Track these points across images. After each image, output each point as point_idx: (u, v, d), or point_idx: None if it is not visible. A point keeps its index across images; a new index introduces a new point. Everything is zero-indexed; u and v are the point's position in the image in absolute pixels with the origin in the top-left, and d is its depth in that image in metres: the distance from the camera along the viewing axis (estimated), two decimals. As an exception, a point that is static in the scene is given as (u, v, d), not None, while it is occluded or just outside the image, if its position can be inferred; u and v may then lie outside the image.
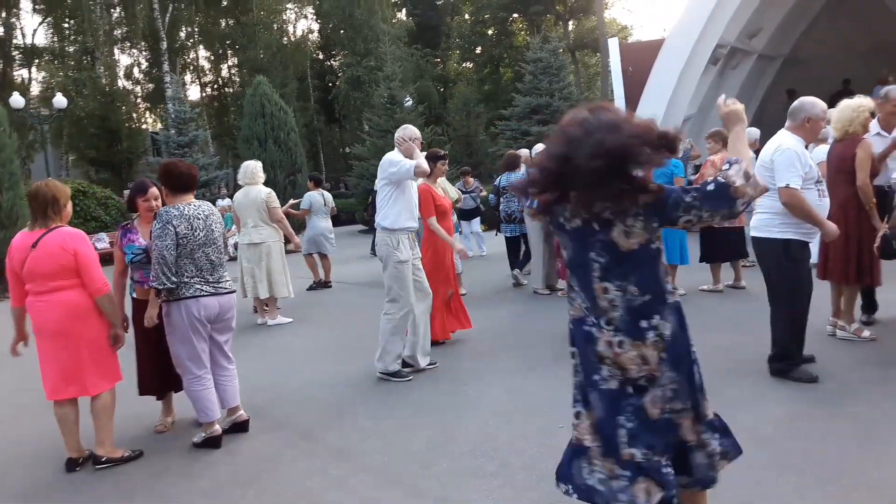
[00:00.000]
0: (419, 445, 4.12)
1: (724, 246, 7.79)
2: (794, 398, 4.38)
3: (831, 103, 5.41)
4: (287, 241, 8.21)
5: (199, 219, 4.23)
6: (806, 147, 4.69)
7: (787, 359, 4.72)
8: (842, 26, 16.63)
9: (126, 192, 22.69)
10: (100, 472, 4.10)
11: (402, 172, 5.43)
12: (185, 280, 4.15)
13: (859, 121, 5.31)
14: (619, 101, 14.72)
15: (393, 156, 5.57)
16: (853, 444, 3.66)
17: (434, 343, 6.08)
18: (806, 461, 3.51)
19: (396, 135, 5.73)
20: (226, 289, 4.35)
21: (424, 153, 5.89)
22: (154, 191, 4.63)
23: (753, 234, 4.79)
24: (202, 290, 4.19)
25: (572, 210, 2.39)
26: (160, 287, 4.07)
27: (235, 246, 10.87)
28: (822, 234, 4.57)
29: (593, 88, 37.96)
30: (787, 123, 4.66)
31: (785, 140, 4.53)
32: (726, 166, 2.32)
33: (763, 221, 4.68)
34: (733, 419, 4.07)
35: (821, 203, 4.55)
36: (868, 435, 3.77)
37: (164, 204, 4.55)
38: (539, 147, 6.58)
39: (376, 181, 5.86)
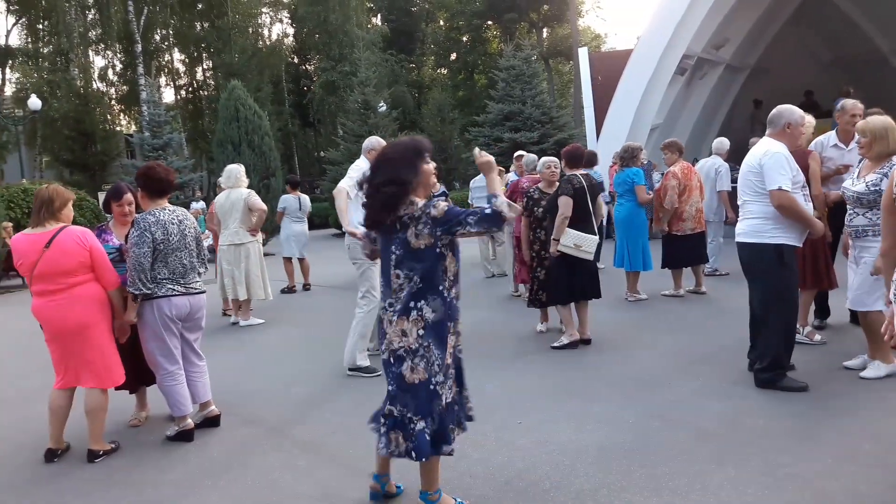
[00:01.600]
0: (383, 439, 4.29)
1: (685, 252, 8.05)
2: (739, 395, 4.62)
3: None
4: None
5: (173, 224, 4.41)
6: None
7: (779, 368, 4.69)
8: (806, 38, 17.09)
9: (101, 193, 22.63)
10: (78, 463, 4.24)
11: None
12: (158, 280, 4.33)
13: (808, 135, 5.63)
14: (589, 109, 15.05)
15: (354, 164, 5.92)
16: (792, 440, 3.87)
17: None
18: (745, 455, 3.72)
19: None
20: (196, 289, 4.53)
21: None
22: (129, 197, 4.76)
23: (742, 239, 4.76)
24: (173, 289, 4.37)
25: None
26: (136, 293, 4.25)
27: (210, 249, 10.99)
28: (812, 232, 4.66)
29: (567, 96, 38.39)
30: (768, 131, 4.77)
31: (772, 145, 4.63)
32: (492, 199, 3.05)
33: (753, 227, 4.67)
34: (678, 414, 4.35)
35: (805, 206, 4.63)
36: (807, 431, 3.99)
37: (138, 205, 4.71)
38: (545, 159, 6.87)
39: None
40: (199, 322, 4.64)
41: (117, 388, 4.76)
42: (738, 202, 4.89)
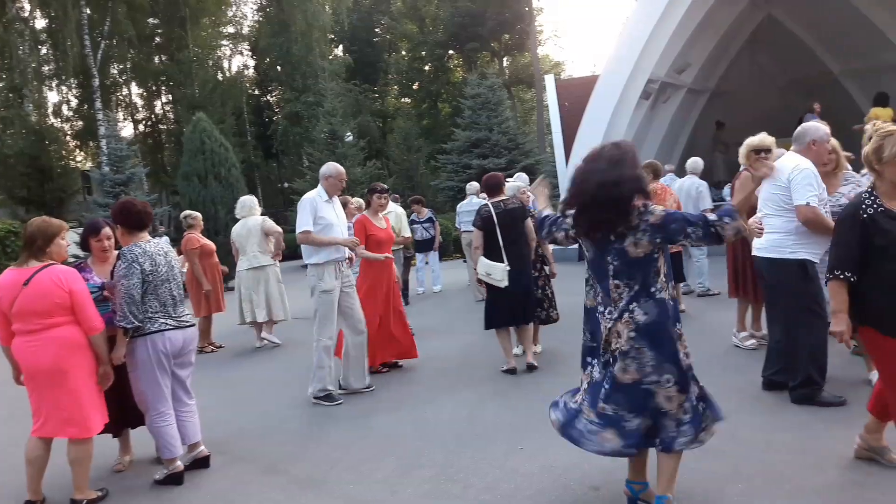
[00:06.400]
0: (386, 472, 4.19)
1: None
2: (733, 411, 4.54)
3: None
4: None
5: (160, 255, 4.29)
6: None
7: (812, 384, 4.59)
8: (761, 62, 17.62)
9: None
10: (61, 513, 4.02)
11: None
12: (150, 315, 4.18)
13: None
14: (557, 135, 15.25)
15: (307, 199, 5.83)
16: (795, 454, 3.88)
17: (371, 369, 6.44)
18: (752, 469, 3.72)
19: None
20: (187, 322, 4.40)
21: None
22: (107, 231, 4.61)
23: (763, 254, 4.72)
24: (166, 323, 4.23)
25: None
26: (128, 326, 4.07)
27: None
28: None
29: (529, 122, 38.85)
30: (794, 147, 4.75)
31: (801, 161, 4.58)
32: (727, 219, 3.06)
33: (775, 242, 4.62)
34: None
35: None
36: (808, 444, 4.00)
37: (116, 242, 4.57)
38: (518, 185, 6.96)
39: None
40: (191, 357, 4.50)
41: (101, 433, 4.58)
42: (757, 216, 4.67)
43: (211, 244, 8.78)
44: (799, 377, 4.63)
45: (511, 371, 6.13)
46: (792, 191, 4.51)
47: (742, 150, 5.88)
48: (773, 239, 4.64)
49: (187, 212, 9.18)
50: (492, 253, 6.15)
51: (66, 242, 4.17)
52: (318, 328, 5.81)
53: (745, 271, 6.16)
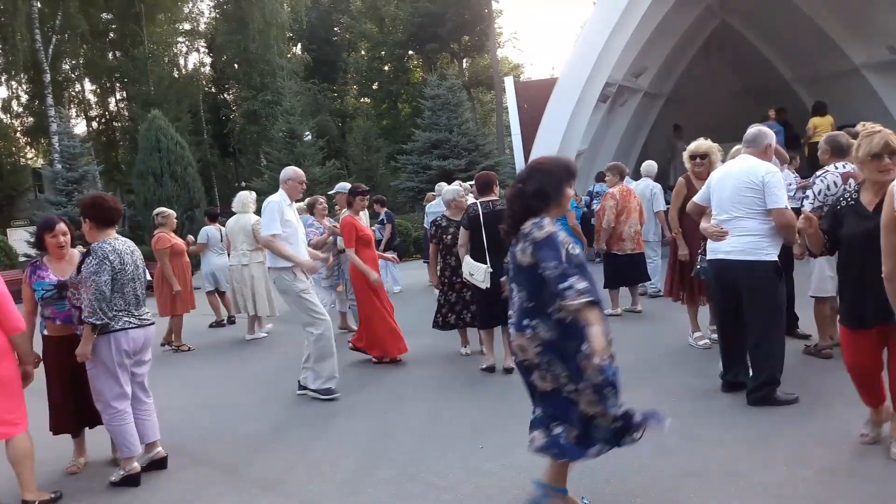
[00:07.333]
0: (346, 473, 4.18)
1: (628, 271, 8.33)
2: (689, 410, 4.69)
3: None
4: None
5: (128, 253, 4.26)
6: None
7: (775, 383, 4.61)
8: (716, 67, 17.97)
9: (10, 230, 21.45)
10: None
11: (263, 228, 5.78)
12: (114, 313, 4.13)
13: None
14: (516, 137, 15.35)
15: (271, 202, 5.74)
16: (747, 450, 3.98)
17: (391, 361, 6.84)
18: (705, 466, 3.81)
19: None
20: (148, 321, 4.36)
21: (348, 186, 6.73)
22: (62, 226, 4.52)
23: (738, 257, 4.60)
24: (129, 322, 4.19)
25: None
26: (98, 322, 4.01)
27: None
28: (795, 247, 4.75)
29: (489, 124, 39.06)
30: (749, 150, 4.76)
31: (768, 164, 4.63)
32: (575, 295, 2.89)
33: (751, 244, 4.56)
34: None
35: None
36: (760, 440, 4.11)
37: (73, 237, 4.52)
38: (455, 189, 7.02)
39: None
40: (147, 354, 4.45)
41: (57, 433, 4.51)
42: (718, 218, 4.79)
43: (181, 243, 8.67)
44: (761, 378, 4.61)
45: (490, 369, 6.16)
46: (768, 194, 4.49)
47: (684, 156, 6.20)
48: (747, 241, 4.59)
49: (160, 209, 9.00)
50: (476, 253, 6.08)
51: None
52: (309, 324, 5.74)
53: (675, 275, 6.48)
